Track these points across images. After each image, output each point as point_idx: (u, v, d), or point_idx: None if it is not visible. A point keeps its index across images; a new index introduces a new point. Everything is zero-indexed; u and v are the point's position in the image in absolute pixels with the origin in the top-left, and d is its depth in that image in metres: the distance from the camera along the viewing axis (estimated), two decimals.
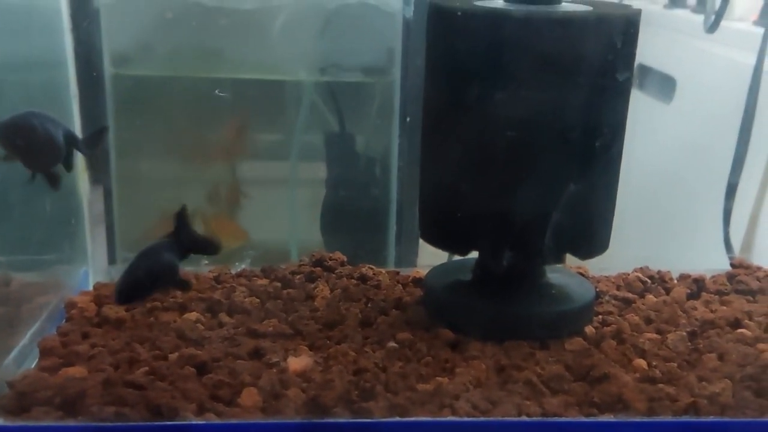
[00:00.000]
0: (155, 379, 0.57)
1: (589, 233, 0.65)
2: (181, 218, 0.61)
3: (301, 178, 1.17)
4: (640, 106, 1.62)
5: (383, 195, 1.13)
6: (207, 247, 0.63)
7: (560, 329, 0.67)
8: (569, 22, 0.59)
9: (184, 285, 0.65)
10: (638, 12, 0.64)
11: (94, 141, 0.66)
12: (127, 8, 1.05)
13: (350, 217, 1.15)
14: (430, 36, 0.65)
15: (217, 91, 1.06)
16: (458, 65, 0.62)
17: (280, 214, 1.18)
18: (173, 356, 0.61)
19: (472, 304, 0.68)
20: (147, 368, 0.59)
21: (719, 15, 1.12)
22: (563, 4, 0.65)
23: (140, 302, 0.68)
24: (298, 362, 0.61)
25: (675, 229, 1.28)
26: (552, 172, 0.61)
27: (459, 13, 0.60)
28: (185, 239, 0.61)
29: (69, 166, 0.63)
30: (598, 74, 0.59)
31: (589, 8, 0.63)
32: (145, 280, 0.58)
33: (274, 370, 0.60)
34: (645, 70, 1.63)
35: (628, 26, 0.61)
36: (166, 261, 0.60)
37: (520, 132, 0.60)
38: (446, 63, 0.63)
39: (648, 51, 1.60)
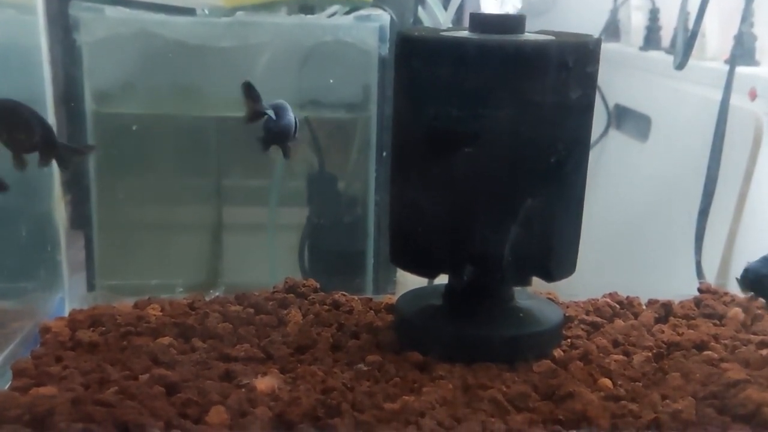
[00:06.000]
0: (124, 398, 0.58)
1: (553, 255, 0.66)
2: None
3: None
4: (617, 145, 1.66)
5: (361, 227, 1.15)
6: None
7: (527, 352, 0.68)
8: (522, 47, 0.62)
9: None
10: (598, 41, 0.66)
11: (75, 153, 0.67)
12: (110, 47, 1.08)
13: (328, 248, 1.16)
14: (396, 63, 0.67)
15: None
16: (420, 90, 0.64)
17: (260, 258, 1.19)
18: (144, 377, 0.62)
19: (440, 327, 0.69)
20: (117, 388, 0.60)
21: (686, 52, 1.16)
22: (526, 34, 0.68)
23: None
24: (265, 382, 0.61)
25: (652, 259, 1.30)
26: (511, 192, 0.63)
27: (411, 37, 0.63)
28: None
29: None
30: (552, 97, 0.62)
31: (550, 37, 0.66)
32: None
33: (243, 390, 0.61)
34: (622, 110, 1.67)
35: (585, 52, 0.63)
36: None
37: (478, 152, 0.62)
38: (410, 88, 0.66)
39: (624, 92, 1.66)
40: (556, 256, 0.67)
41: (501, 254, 0.63)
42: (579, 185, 0.67)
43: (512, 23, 0.67)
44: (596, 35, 1.84)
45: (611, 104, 1.68)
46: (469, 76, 0.62)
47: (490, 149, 0.63)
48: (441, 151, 0.64)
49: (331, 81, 1.13)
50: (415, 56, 0.65)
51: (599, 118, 1.68)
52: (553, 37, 0.66)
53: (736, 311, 0.75)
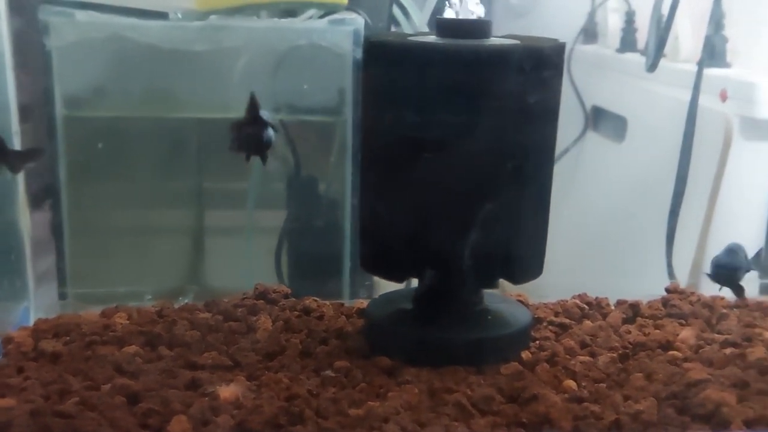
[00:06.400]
0: (84, 409, 0.57)
1: (517, 258, 0.66)
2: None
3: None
4: (594, 146, 1.66)
5: (337, 230, 1.15)
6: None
7: (495, 354, 0.68)
8: (477, 52, 0.62)
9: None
10: (561, 45, 0.66)
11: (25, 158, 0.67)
12: (81, 51, 1.07)
13: (305, 252, 1.16)
14: (363, 68, 0.68)
15: None
16: (385, 95, 0.64)
17: (237, 262, 1.19)
18: (106, 387, 0.62)
19: (408, 331, 0.69)
20: (77, 398, 0.59)
21: (657, 54, 1.16)
22: (492, 39, 0.68)
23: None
24: (229, 390, 0.61)
25: (629, 259, 1.31)
26: (474, 196, 0.63)
27: (374, 42, 0.63)
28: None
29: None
30: (513, 101, 0.62)
31: (514, 42, 0.66)
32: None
33: (206, 399, 0.60)
34: (599, 111, 1.67)
35: (546, 56, 0.64)
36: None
37: (442, 156, 0.62)
38: (376, 93, 0.66)
39: (601, 93, 1.66)
40: (520, 260, 0.67)
41: (466, 258, 0.63)
42: (544, 188, 0.67)
43: (478, 28, 0.67)
44: (573, 37, 1.85)
45: (588, 106, 1.68)
46: (431, 81, 0.62)
47: (453, 154, 0.63)
48: (405, 155, 0.64)
49: (305, 86, 1.13)
50: (381, 61, 0.65)
51: (577, 120, 1.69)
52: (518, 42, 0.66)
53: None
